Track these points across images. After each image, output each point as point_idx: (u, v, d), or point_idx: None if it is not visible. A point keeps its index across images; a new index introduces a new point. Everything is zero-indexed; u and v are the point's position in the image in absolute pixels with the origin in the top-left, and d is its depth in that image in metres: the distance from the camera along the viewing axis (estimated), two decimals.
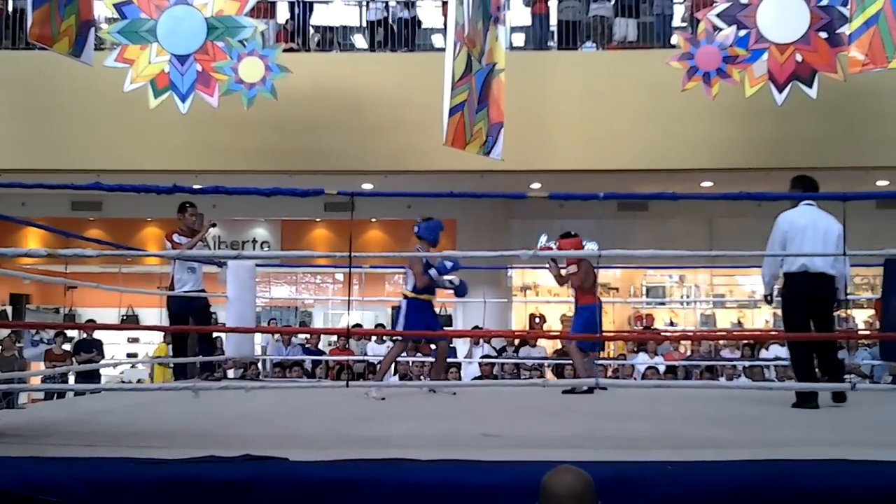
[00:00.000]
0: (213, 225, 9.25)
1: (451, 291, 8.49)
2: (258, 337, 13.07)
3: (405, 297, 8.02)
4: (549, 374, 12.74)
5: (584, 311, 8.33)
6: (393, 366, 11.48)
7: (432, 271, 7.87)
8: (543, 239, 8.84)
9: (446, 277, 8.13)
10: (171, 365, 9.52)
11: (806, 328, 6.68)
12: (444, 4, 11.73)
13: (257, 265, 9.71)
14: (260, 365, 12.11)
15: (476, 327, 12.86)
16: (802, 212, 6.78)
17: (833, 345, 6.98)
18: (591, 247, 8.60)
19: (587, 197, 5.77)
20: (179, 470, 3.81)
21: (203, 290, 8.89)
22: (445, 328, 15.86)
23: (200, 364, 8.91)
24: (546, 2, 13.20)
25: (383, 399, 7.23)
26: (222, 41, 10.42)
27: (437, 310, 8.37)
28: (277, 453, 3.98)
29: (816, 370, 6.81)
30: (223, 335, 10.47)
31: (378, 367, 8.55)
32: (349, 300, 10.90)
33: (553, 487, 2.76)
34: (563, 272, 8.52)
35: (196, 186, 6.53)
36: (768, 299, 7.24)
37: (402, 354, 9.68)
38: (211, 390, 6.48)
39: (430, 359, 11.39)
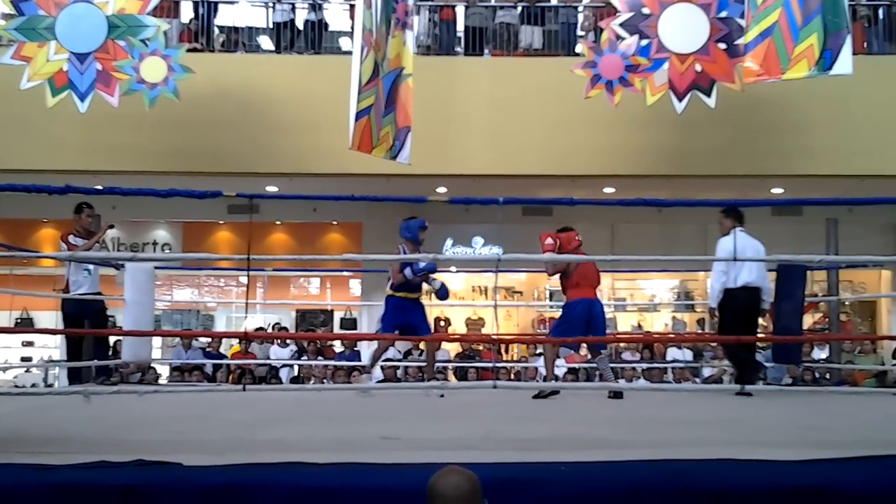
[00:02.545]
0: (111, 226, 9.06)
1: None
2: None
3: (387, 295, 8.15)
4: (451, 377, 12.81)
5: (564, 307, 8.11)
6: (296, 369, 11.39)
7: (407, 270, 7.93)
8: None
9: (431, 276, 8.13)
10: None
11: (742, 334, 7.53)
12: (352, 7, 11.70)
13: (157, 268, 9.54)
14: (159, 368, 11.90)
15: None
16: (739, 237, 7.55)
17: (753, 348, 7.94)
18: (494, 251, 8.58)
19: (486, 201, 5.82)
20: (69, 475, 3.73)
21: (99, 293, 8.72)
22: (351, 331, 15.88)
23: (96, 368, 8.72)
24: (453, 8, 13.27)
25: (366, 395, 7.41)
26: (124, 40, 10.24)
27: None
28: (171, 458, 3.91)
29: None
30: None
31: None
32: (246, 303, 10.78)
33: (439, 489, 2.78)
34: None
35: (97, 187, 6.39)
36: (714, 312, 8.05)
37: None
38: (104, 395, 6.35)
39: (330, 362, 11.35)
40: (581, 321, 7.80)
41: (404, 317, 8.01)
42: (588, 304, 7.93)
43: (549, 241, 7.90)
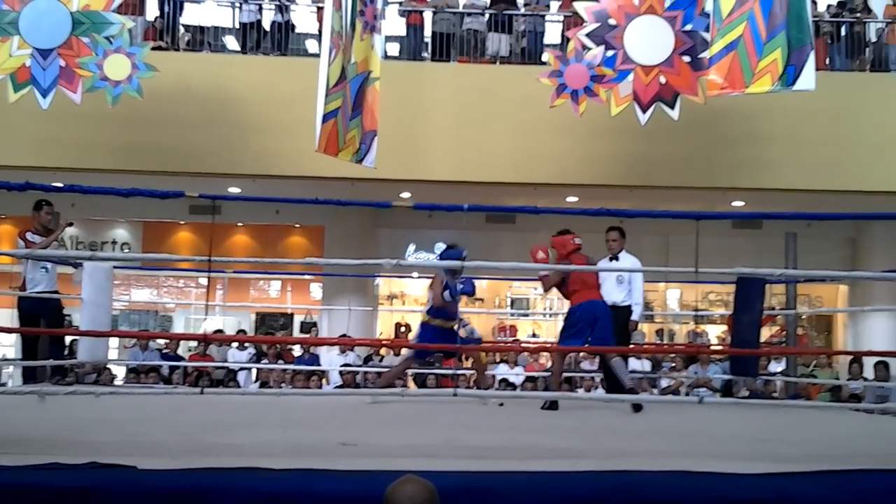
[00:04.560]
0: (70, 224, 8.97)
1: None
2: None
3: (422, 321, 8.07)
4: (410, 384, 12.76)
5: (567, 313, 7.89)
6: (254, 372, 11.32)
7: (446, 294, 7.85)
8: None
9: (465, 322, 8.16)
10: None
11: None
12: (320, 10, 11.67)
13: (115, 267, 9.45)
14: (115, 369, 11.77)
15: (343, 335, 12.81)
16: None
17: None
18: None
19: (451, 208, 5.83)
20: (20, 477, 3.67)
21: (56, 291, 8.62)
22: (309, 335, 15.79)
23: (51, 368, 8.61)
24: (421, 13, 13.27)
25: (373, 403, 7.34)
26: (88, 37, 10.14)
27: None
28: (125, 461, 3.86)
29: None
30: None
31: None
32: (206, 305, 10.70)
33: (396, 498, 2.77)
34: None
35: (57, 184, 6.32)
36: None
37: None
38: (59, 395, 6.27)
39: (289, 366, 11.28)
40: (585, 324, 7.59)
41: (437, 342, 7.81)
42: (590, 305, 7.68)
43: (541, 254, 7.75)
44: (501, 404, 7.60)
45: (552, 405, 7.35)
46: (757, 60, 9.45)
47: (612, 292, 8.27)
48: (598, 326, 7.59)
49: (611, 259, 8.59)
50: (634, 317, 8.46)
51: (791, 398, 9.53)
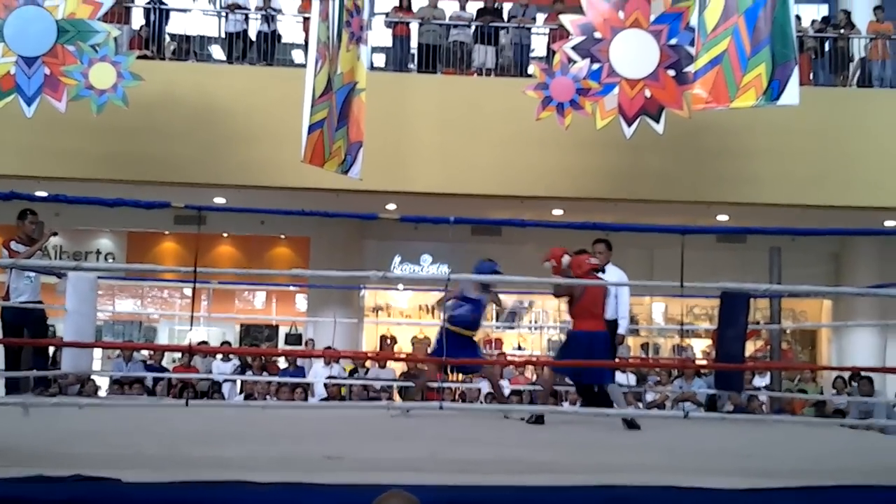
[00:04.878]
0: (54, 234, 8.94)
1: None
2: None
3: (445, 327, 7.96)
4: (396, 397, 12.73)
5: (567, 336, 7.75)
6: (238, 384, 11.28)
7: (452, 303, 7.97)
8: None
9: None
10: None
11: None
12: (306, 20, 11.67)
13: (100, 277, 9.41)
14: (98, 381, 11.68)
15: (328, 348, 12.75)
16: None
17: None
18: (442, 269, 8.49)
19: (437, 220, 5.83)
20: (5, 489, 3.65)
21: (40, 302, 8.57)
22: (298, 347, 15.75)
23: (34, 379, 8.55)
24: (407, 24, 13.30)
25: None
26: (73, 45, 10.13)
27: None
28: (110, 474, 3.84)
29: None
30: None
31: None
32: (191, 316, 10.66)
33: None
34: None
35: (40, 193, 6.30)
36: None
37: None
38: (43, 407, 6.23)
39: (274, 378, 11.23)
40: (580, 354, 7.36)
41: (453, 354, 7.71)
42: (589, 337, 7.46)
43: (554, 263, 7.57)
44: (506, 417, 7.62)
45: (538, 419, 7.33)
46: (741, 75, 9.50)
47: None
48: (594, 357, 7.40)
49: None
50: (621, 330, 8.41)
51: (775, 413, 9.55)
